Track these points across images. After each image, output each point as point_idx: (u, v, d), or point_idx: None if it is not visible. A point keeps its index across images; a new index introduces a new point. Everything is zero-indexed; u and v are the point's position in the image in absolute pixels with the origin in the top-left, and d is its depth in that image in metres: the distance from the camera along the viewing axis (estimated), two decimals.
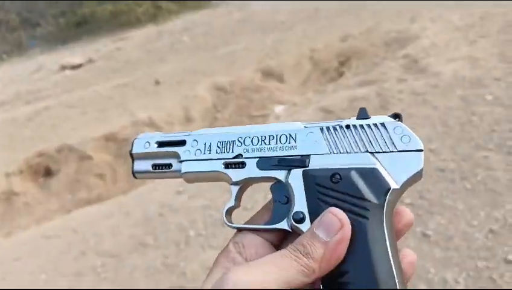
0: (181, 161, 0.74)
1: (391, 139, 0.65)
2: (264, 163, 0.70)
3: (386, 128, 0.66)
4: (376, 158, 0.65)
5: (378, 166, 0.64)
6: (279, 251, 0.61)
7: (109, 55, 10.49)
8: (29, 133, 6.89)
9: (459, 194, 3.16)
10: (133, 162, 0.78)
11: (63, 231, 4.29)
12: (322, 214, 0.61)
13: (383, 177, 0.63)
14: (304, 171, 0.67)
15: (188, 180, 0.75)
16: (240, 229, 0.69)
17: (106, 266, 3.57)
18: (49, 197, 5.57)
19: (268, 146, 0.70)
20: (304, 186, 0.66)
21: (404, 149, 0.64)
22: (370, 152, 0.65)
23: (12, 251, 4.19)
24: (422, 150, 0.64)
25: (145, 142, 0.77)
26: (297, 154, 0.68)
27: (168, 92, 7.23)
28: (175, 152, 0.75)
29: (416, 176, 0.64)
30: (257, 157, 0.70)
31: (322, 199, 0.64)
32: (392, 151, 0.65)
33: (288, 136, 0.70)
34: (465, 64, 5.03)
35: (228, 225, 0.70)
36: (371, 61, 6.18)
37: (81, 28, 14.44)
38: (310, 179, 0.66)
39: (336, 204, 0.62)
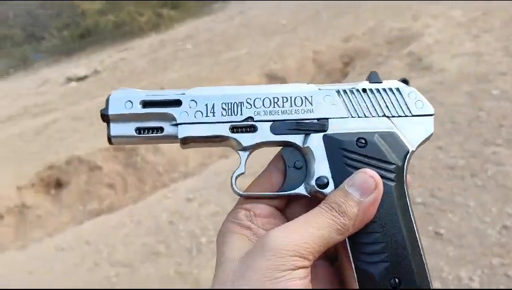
0: (177, 124, 0.66)
1: (406, 104, 0.67)
2: (278, 127, 0.66)
3: (400, 93, 0.68)
4: (392, 122, 0.67)
5: (395, 130, 0.66)
6: (312, 211, 0.60)
7: (114, 65, 10.56)
8: (38, 146, 6.95)
9: (470, 191, 3.14)
10: (108, 125, 0.66)
11: (75, 242, 4.32)
12: (354, 174, 0.62)
13: (402, 140, 0.66)
14: (324, 135, 0.65)
15: (185, 146, 0.67)
16: (249, 197, 0.65)
17: (120, 276, 3.59)
18: (61, 209, 5.62)
19: (282, 108, 0.66)
20: (326, 151, 0.65)
21: (418, 114, 0.67)
22: (387, 116, 0.67)
23: (26, 264, 4.23)
24: (433, 114, 0.68)
25: (126, 101, 0.66)
26: (314, 117, 0.66)
27: None
28: (168, 114, 0.66)
29: (427, 139, 0.68)
30: (270, 121, 0.66)
31: (348, 164, 0.64)
32: (407, 116, 0.67)
33: (303, 98, 0.67)
34: (470, 60, 5.01)
35: (239, 194, 0.66)
36: (375, 61, 6.17)
37: (85, 39, 14.56)
38: (333, 143, 0.65)
39: (363, 168, 0.63)
